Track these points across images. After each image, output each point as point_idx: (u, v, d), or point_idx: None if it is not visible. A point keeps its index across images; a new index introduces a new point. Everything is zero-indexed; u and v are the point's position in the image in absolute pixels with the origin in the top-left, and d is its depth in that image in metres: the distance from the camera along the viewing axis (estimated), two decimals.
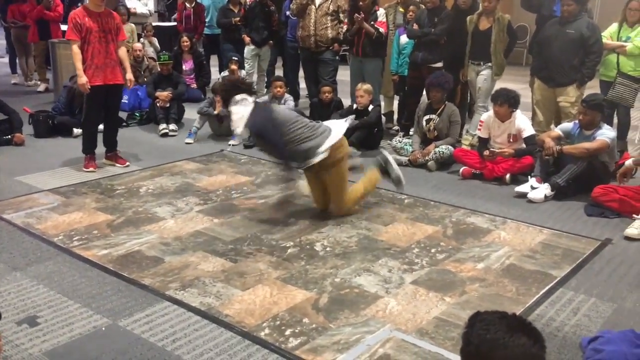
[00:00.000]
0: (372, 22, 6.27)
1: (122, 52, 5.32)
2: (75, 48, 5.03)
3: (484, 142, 5.39)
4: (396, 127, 6.99)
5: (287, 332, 2.87)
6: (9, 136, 6.09)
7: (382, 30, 6.34)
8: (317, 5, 6.61)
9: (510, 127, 5.27)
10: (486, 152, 5.23)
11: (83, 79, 5.02)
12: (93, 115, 5.34)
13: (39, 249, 3.74)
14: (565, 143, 5.03)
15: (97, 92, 5.15)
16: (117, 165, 5.47)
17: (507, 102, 5.16)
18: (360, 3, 6.26)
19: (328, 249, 3.83)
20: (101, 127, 5.46)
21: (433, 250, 3.82)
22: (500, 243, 3.95)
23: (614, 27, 5.75)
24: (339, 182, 4.25)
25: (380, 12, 6.37)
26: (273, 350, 2.73)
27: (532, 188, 4.80)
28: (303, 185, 4.54)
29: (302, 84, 7.84)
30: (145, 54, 8.37)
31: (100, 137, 5.48)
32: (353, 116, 5.98)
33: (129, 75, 5.31)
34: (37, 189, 4.83)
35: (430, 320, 3.00)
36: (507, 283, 3.40)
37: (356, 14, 6.17)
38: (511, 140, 5.28)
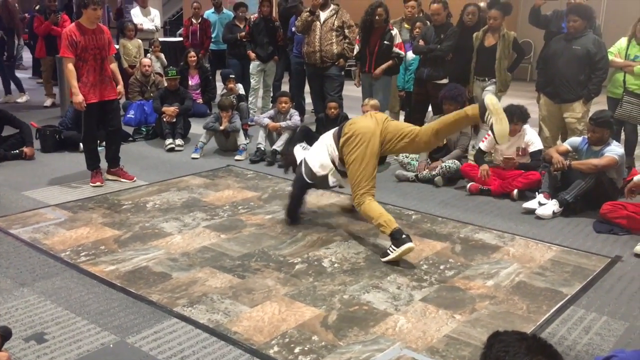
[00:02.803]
0: (387, 42, 6.28)
1: (114, 66, 5.35)
2: (70, 66, 5.00)
3: (482, 155, 5.41)
4: None
5: (297, 350, 2.84)
6: (18, 150, 6.11)
7: (401, 53, 6.36)
8: (322, 22, 6.65)
9: (519, 141, 5.27)
10: (482, 169, 5.24)
11: (79, 98, 5.00)
12: (91, 132, 5.34)
13: (46, 264, 3.73)
14: (573, 158, 5.03)
15: (93, 110, 5.16)
16: (123, 180, 5.46)
17: (521, 120, 5.19)
18: (377, 18, 6.26)
19: (336, 265, 3.81)
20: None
21: (442, 267, 3.79)
22: (509, 260, 3.92)
23: (622, 42, 5.75)
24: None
25: (395, 33, 6.38)
26: None
27: (540, 204, 4.78)
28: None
29: (308, 99, 7.87)
30: (152, 69, 8.42)
31: (102, 153, 5.51)
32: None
33: (120, 88, 5.35)
34: (44, 204, 4.83)
35: (440, 338, 2.97)
36: (517, 300, 3.37)
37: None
38: (520, 153, 5.29)
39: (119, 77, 5.38)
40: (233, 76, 7.77)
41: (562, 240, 4.28)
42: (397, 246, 3.78)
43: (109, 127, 5.41)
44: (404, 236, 3.79)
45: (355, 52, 6.61)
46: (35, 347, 2.82)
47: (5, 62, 9.11)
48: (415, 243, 4.17)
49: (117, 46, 8.39)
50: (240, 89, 7.86)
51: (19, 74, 12.26)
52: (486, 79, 6.07)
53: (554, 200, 4.76)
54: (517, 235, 4.34)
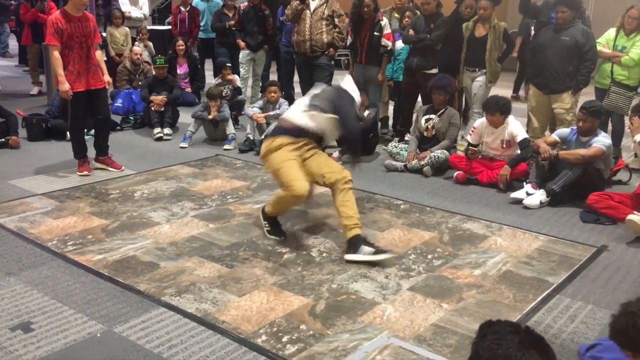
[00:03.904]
0: (377, 33, 6.27)
1: (98, 54, 5.28)
2: (56, 54, 4.94)
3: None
4: (391, 133, 6.99)
5: (285, 339, 2.85)
6: (4, 139, 6.05)
7: (389, 44, 6.35)
8: (312, 10, 6.61)
9: (503, 133, 5.28)
10: (471, 151, 5.25)
11: (65, 86, 4.96)
12: (78, 120, 5.30)
13: (32, 253, 3.71)
14: (561, 148, 5.05)
15: (79, 98, 5.11)
16: (111, 169, 5.43)
17: (498, 110, 5.18)
18: (365, 9, 6.25)
19: (324, 254, 3.81)
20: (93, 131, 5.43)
21: (430, 257, 3.81)
22: (496, 249, 3.95)
23: (610, 33, 5.77)
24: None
25: (385, 23, 6.36)
26: (270, 357, 2.71)
27: (528, 194, 4.81)
28: None
29: (297, 89, 7.83)
30: (141, 57, 8.34)
31: (91, 141, 5.46)
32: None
33: (107, 77, 5.29)
34: (31, 193, 4.79)
35: (427, 327, 2.99)
36: (504, 289, 3.39)
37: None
38: (504, 146, 5.30)
39: (104, 66, 5.32)
40: (229, 64, 7.67)
41: (549, 229, 4.31)
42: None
43: (97, 115, 5.36)
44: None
45: (347, 43, 6.59)
46: (22, 337, 2.80)
47: None
48: (403, 233, 4.19)
49: (104, 34, 8.32)
50: (237, 80, 7.77)
51: (5, 61, 12.16)
52: (476, 69, 6.08)
53: (542, 190, 4.79)
54: (505, 225, 4.37)
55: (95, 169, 5.42)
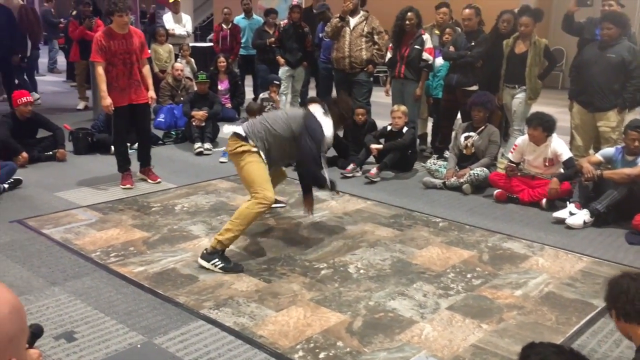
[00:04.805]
0: (417, 47, 6.26)
1: (146, 69, 5.40)
2: (100, 70, 5.10)
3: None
4: (430, 149, 6.95)
5: (321, 355, 2.84)
6: (52, 152, 6.25)
7: (430, 58, 6.32)
8: (351, 27, 6.66)
9: (545, 151, 5.18)
10: (510, 168, 5.19)
11: (107, 101, 5.12)
12: (121, 135, 5.45)
13: (76, 264, 3.80)
14: (605, 168, 4.93)
15: (122, 113, 5.26)
16: (149, 181, 5.57)
17: (540, 125, 5.09)
18: (407, 23, 6.26)
19: (362, 271, 3.79)
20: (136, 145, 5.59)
21: (469, 276, 3.75)
22: (538, 270, 3.86)
23: None
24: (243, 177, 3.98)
25: (426, 37, 6.35)
26: None
27: (571, 214, 4.70)
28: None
29: None
30: (183, 73, 8.53)
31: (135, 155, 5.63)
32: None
33: (151, 93, 5.42)
34: (76, 205, 4.92)
35: (467, 347, 2.93)
36: (546, 311, 3.31)
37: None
38: (547, 164, 5.20)
39: (150, 81, 5.43)
40: (278, 83, 7.76)
41: (593, 251, 4.20)
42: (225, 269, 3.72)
43: (139, 129, 5.52)
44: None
45: (386, 59, 6.60)
46: (65, 346, 2.87)
47: (22, 64, 9.16)
48: (442, 251, 4.15)
49: (149, 51, 8.52)
50: (282, 101, 7.82)
51: (53, 77, 12.59)
52: (516, 86, 6.00)
53: (585, 210, 4.68)
54: (547, 245, 4.27)
55: (139, 180, 5.56)
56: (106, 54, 5.08)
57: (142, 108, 5.40)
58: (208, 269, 3.72)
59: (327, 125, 4.05)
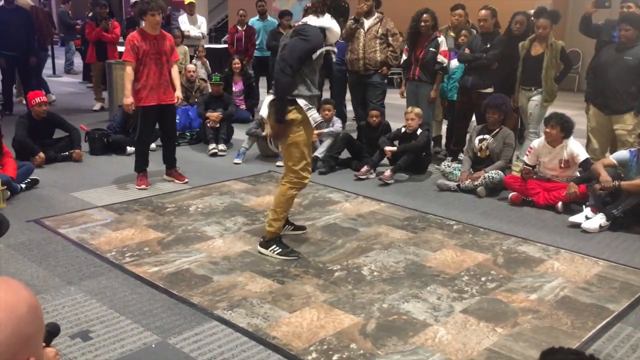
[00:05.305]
0: (432, 49, 6.24)
1: (175, 71, 5.49)
2: (129, 69, 5.21)
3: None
4: (444, 152, 6.92)
5: (335, 357, 2.84)
6: (68, 152, 6.31)
7: (445, 61, 6.30)
8: (366, 29, 6.65)
9: (561, 153, 5.14)
10: (525, 170, 5.15)
11: (129, 100, 5.22)
12: (146, 134, 5.52)
13: (92, 264, 3.84)
14: (619, 171, 4.87)
15: (150, 112, 5.34)
16: (177, 181, 5.62)
17: (559, 124, 5.05)
18: (423, 25, 6.24)
19: (375, 273, 3.79)
20: (153, 145, 5.61)
21: (483, 279, 3.73)
22: (553, 274, 3.83)
23: None
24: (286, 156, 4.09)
25: (442, 40, 6.33)
26: None
27: (587, 218, 4.65)
28: None
29: (349, 107, 7.87)
30: (197, 75, 8.57)
31: (158, 155, 5.68)
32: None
33: (178, 93, 5.48)
34: (92, 205, 4.97)
35: (481, 351, 2.92)
36: (561, 316, 3.28)
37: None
38: (562, 165, 5.16)
39: (178, 82, 5.54)
40: None
41: (609, 255, 4.16)
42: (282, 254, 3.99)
43: (165, 129, 5.61)
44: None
45: (401, 61, 6.58)
46: (81, 345, 2.90)
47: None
48: (456, 253, 4.13)
49: None
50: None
51: (70, 78, 12.71)
52: (532, 88, 5.96)
53: (601, 214, 4.63)
54: (562, 249, 4.24)
55: (159, 181, 5.62)
56: (138, 54, 5.18)
57: (169, 108, 5.47)
58: (268, 255, 3.99)
59: (325, 21, 3.95)
